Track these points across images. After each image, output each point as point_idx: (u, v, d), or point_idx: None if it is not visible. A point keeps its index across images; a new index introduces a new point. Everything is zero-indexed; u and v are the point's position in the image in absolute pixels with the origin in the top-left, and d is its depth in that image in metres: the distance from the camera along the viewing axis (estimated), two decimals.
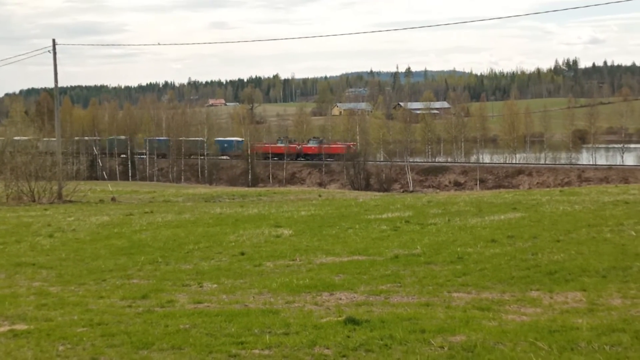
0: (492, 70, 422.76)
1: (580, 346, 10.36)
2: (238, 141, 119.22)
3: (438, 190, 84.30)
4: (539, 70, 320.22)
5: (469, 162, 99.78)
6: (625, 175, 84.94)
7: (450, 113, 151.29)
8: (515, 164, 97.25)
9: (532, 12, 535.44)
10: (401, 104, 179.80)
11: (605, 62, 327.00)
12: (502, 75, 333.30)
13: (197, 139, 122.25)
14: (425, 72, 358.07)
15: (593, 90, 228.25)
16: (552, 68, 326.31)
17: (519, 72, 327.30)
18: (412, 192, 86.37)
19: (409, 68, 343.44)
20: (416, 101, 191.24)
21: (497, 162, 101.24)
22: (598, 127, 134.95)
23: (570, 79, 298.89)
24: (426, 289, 15.46)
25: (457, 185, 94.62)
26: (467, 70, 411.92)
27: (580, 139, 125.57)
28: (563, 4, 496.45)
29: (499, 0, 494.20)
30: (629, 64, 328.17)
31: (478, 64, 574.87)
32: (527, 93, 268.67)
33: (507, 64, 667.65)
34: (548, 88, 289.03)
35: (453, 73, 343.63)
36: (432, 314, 12.79)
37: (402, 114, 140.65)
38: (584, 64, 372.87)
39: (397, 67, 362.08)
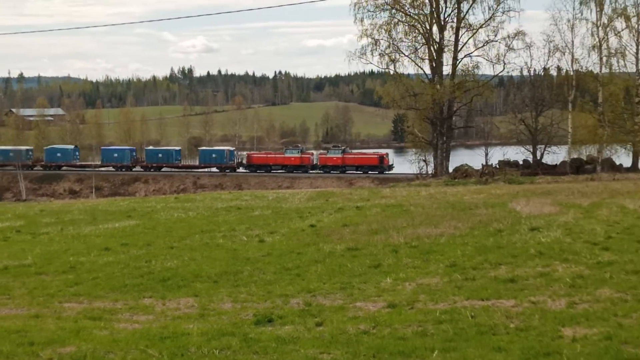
0: (108, 77, 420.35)
1: (190, 351, 10.40)
2: (230, 151, 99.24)
3: (52, 199, 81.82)
4: (155, 78, 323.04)
5: (85, 170, 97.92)
6: (239, 181, 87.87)
7: (65, 120, 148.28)
8: (132, 171, 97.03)
9: (147, 20, 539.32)
10: (13, 110, 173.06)
11: (219, 71, 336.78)
12: (118, 82, 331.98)
13: None
14: (39, 78, 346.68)
15: (208, 99, 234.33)
16: (168, 76, 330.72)
17: (135, 80, 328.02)
18: (25, 200, 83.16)
19: (22, 74, 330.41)
20: (29, 107, 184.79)
21: (112, 170, 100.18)
22: (213, 135, 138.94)
23: (185, 87, 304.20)
24: (37, 300, 14.94)
25: (73, 193, 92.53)
26: (83, 76, 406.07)
27: (195, 146, 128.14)
28: (177, 13, 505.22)
29: (114, 7, 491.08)
30: (242, 73, 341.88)
31: (93, 70, 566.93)
32: (143, 100, 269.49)
33: (123, 71, 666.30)
34: (164, 96, 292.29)
35: (68, 79, 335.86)
36: (42, 326, 12.33)
37: (15, 120, 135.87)
38: (199, 72, 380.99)
39: (9, 73, 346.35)
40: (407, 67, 71.17)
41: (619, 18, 67.40)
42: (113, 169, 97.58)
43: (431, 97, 65.39)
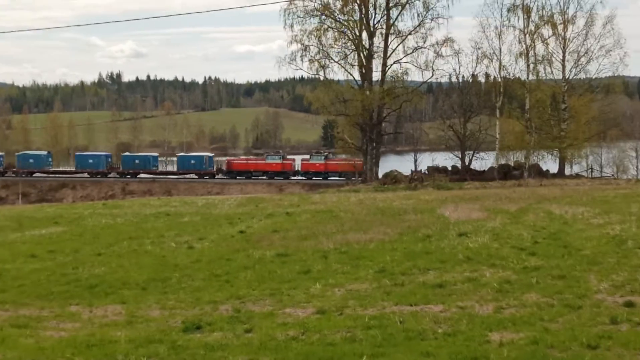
0: (34, 82, 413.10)
1: (117, 359, 10.31)
2: (209, 157, 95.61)
3: None
4: (82, 83, 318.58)
5: (11, 177, 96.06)
6: (168, 188, 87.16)
7: None
8: (60, 177, 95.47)
9: (74, 25, 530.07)
10: None
11: (148, 76, 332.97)
12: (45, 87, 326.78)
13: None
14: None
15: (137, 104, 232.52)
16: (97, 81, 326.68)
17: (62, 85, 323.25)
18: None
19: None
20: None
21: (40, 175, 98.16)
22: (142, 140, 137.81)
23: (114, 93, 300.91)
24: None
25: None
26: (9, 81, 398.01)
27: (123, 152, 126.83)
28: (106, 18, 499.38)
29: (41, 11, 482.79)
30: (171, 78, 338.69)
31: (20, 75, 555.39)
32: (71, 106, 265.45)
33: (50, 76, 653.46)
34: (92, 101, 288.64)
35: None
36: None
37: None
38: (127, 77, 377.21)
39: None
40: (337, 73, 71.60)
41: (546, 25, 68.74)
42: (88, 176, 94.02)
43: (361, 103, 65.75)
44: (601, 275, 15.05)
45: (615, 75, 70.60)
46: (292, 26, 67.13)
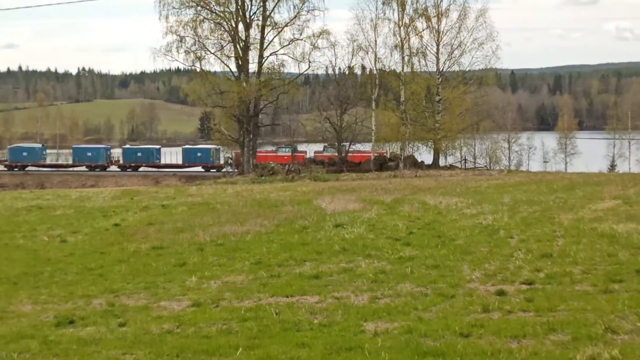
0: None
1: None
2: (216, 149, 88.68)
3: None
4: None
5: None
6: (41, 180, 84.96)
7: None
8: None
9: None
10: None
11: (20, 67, 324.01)
12: None
13: None
14: None
15: (8, 95, 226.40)
16: None
17: None
18: None
19: None
20: None
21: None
22: (14, 133, 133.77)
23: None
24: None
25: None
26: None
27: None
28: None
29: None
30: (43, 69, 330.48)
31: None
32: None
33: None
34: None
35: None
36: None
37: None
38: None
39: None
40: (213, 64, 71.05)
41: (420, 18, 69.74)
42: (86, 169, 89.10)
43: (237, 94, 65.45)
44: (474, 265, 15.38)
45: (488, 67, 72.29)
46: (167, 17, 66.34)
